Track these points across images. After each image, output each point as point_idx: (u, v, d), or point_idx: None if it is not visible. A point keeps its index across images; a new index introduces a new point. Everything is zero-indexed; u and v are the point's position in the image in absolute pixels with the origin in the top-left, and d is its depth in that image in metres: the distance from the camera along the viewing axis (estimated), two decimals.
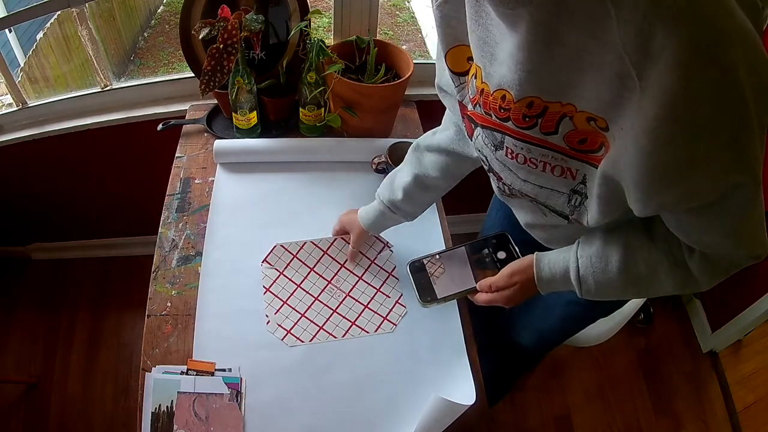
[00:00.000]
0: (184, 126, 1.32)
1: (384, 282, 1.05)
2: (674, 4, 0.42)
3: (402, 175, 0.95)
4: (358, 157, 1.24)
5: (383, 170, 1.20)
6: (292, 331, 0.96)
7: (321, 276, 1.04)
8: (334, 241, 1.08)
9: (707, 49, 0.42)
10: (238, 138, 1.27)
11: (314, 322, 0.98)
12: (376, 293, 1.03)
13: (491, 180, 0.79)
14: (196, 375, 0.89)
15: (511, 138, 0.62)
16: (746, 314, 1.65)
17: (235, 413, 0.86)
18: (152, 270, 1.03)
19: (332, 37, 1.39)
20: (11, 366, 1.73)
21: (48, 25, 2.86)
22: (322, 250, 1.06)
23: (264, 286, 1.01)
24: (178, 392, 0.87)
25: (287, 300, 1.00)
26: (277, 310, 0.98)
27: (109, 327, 1.83)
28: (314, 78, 1.18)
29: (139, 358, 0.92)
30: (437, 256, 0.86)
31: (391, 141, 1.21)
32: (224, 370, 0.90)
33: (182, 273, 1.03)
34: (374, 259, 1.07)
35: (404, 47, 1.30)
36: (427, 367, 0.94)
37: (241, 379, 0.90)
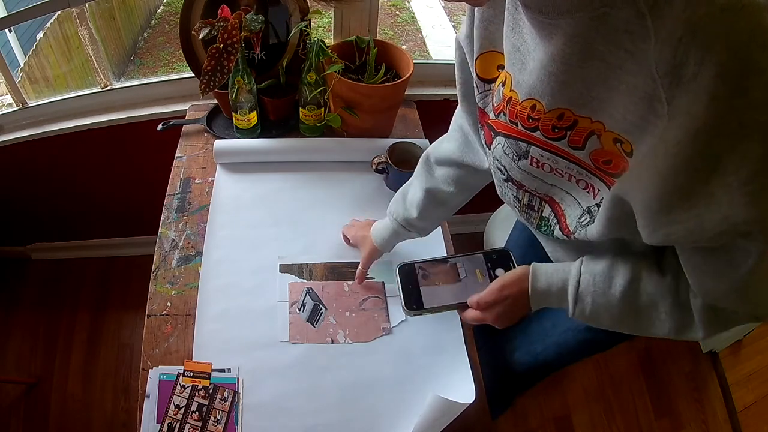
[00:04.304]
0: (184, 126, 1.32)
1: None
2: (711, 30, 0.40)
3: (414, 191, 0.92)
4: (358, 157, 1.24)
5: (383, 170, 1.21)
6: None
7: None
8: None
9: (737, 81, 0.40)
10: (238, 138, 1.27)
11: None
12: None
13: (506, 192, 0.75)
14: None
15: (538, 148, 0.61)
16: None
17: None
18: (152, 270, 1.03)
19: (332, 37, 1.39)
20: (11, 366, 1.73)
21: (48, 25, 2.86)
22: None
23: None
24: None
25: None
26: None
27: (109, 327, 1.83)
28: (314, 78, 1.18)
29: (139, 358, 0.92)
30: (430, 263, 0.81)
31: (391, 141, 1.21)
32: (222, 370, 0.90)
33: (182, 273, 1.03)
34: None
35: (404, 47, 1.30)
36: (427, 366, 0.94)
37: (238, 379, 0.90)
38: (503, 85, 0.64)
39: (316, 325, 0.97)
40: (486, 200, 1.19)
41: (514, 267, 0.76)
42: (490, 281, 0.75)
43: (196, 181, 1.20)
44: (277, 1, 1.22)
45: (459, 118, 0.84)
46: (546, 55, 0.53)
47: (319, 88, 1.19)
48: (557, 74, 0.53)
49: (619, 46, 0.46)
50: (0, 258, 1.96)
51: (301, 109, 1.25)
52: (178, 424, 0.85)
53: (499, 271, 0.77)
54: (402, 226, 0.94)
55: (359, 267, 1.02)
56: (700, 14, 0.41)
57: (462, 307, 0.76)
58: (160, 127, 1.30)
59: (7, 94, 1.43)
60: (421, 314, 0.77)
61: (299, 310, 0.99)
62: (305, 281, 1.03)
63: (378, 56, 1.25)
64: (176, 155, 1.25)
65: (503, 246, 0.80)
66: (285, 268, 1.05)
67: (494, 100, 0.67)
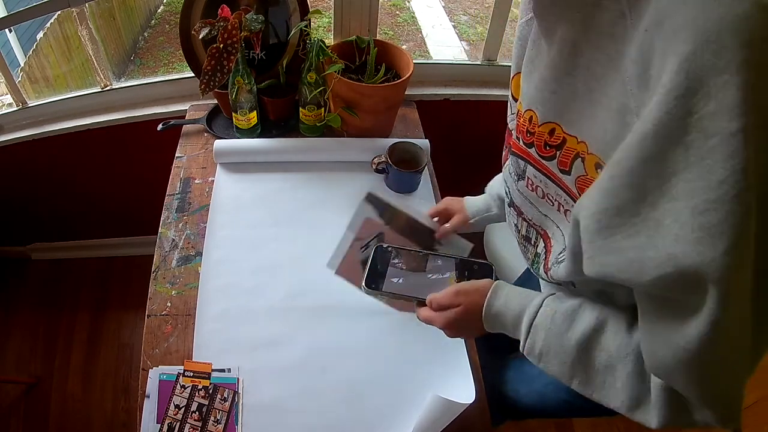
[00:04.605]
0: (184, 126, 1.32)
1: None
2: (677, 17, 0.34)
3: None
4: (358, 157, 1.24)
5: (383, 170, 1.21)
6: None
7: None
8: None
9: (698, 77, 0.33)
10: (238, 138, 1.27)
11: None
12: None
13: (509, 219, 0.74)
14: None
15: (533, 168, 0.60)
16: None
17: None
18: (152, 270, 1.03)
19: (332, 37, 1.39)
20: (11, 366, 1.73)
21: (48, 25, 2.86)
22: None
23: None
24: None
25: None
26: None
27: (109, 327, 1.83)
28: (314, 78, 1.18)
29: (139, 358, 0.92)
30: (409, 253, 0.79)
31: (391, 141, 1.21)
32: (222, 370, 0.90)
33: (182, 273, 1.03)
34: None
35: (404, 47, 1.30)
36: (427, 366, 0.94)
37: (238, 379, 0.90)
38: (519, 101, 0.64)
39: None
40: None
41: None
42: None
43: (196, 181, 1.20)
44: (277, 1, 1.22)
45: None
46: (544, 63, 0.53)
47: (319, 88, 1.19)
48: (549, 82, 0.52)
49: (602, 51, 0.44)
50: (0, 258, 1.96)
51: (301, 109, 1.25)
52: (178, 424, 0.85)
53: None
54: (495, 202, 0.94)
55: (447, 225, 0.99)
56: (665, 2, 0.36)
57: (420, 303, 0.73)
58: (160, 127, 1.30)
59: (7, 94, 1.43)
60: (377, 296, 0.76)
61: (361, 249, 0.95)
62: (383, 223, 1.00)
63: (378, 56, 1.25)
64: (176, 155, 1.25)
65: (488, 260, 0.78)
66: (371, 198, 1.03)
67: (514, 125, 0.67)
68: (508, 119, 0.70)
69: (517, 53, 0.64)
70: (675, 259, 0.36)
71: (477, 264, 0.75)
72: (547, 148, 0.56)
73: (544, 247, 0.64)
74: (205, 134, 1.30)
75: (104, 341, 1.79)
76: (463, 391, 0.87)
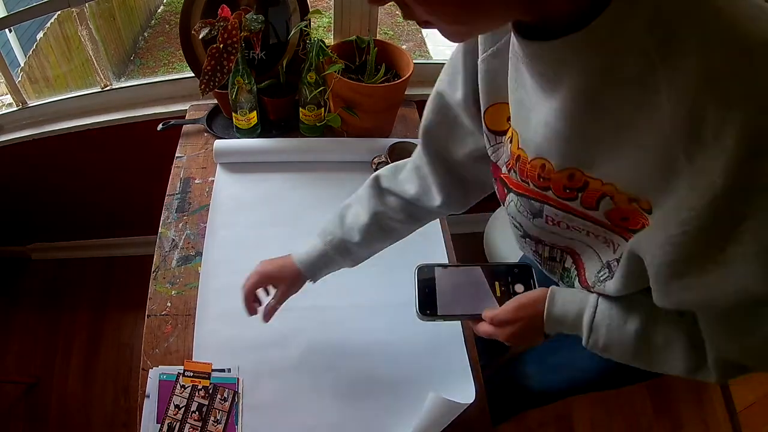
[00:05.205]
0: (184, 126, 1.32)
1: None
2: (730, 81, 0.36)
3: (357, 213, 0.82)
4: (358, 157, 1.24)
5: None
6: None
7: None
8: None
9: (761, 142, 0.35)
10: (238, 138, 1.27)
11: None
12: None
13: (524, 248, 0.73)
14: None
15: (552, 207, 0.58)
16: None
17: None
18: (152, 270, 1.03)
19: (332, 36, 1.39)
20: (11, 366, 1.73)
21: (48, 25, 2.86)
22: None
23: None
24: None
25: None
26: None
27: (109, 327, 1.83)
28: (314, 78, 1.18)
29: (139, 358, 0.92)
30: (451, 269, 0.78)
31: (391, 141, 1.21)
32: (222, 370, 0.90)
33: (182, 273, 1.03)
34: None
35: (404, 47, 1.30)
36: (427, 366, 0.94)
37: (238, 379, 0.90)
38: (510, 141, 0.60)
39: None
40: (486, 200, 1.19)
41: (535, 284, 0.74)
42: (509, 295, 0.73)
43: (196, 181, 1.20)
44: (277, 1, 1.22)
45: (418, 159, 0.78)
46: (550, 111, 0.49)
47: (319, 88, 1.19)
48: (562, 132, 0.49)
49: (628, 101, 0.42)
50: (0, 258, 1.96)
51: (301, 109, 1.25)
52: (178, 424, 0.85)
53: (518, 287, 0.74)
54: (336, 250, 0.83)
55: (272, 300, 0.86)
56: (717, 62, 0.36)
57: (476, 318, 0.74)
58: (160, 127, 1.30)
59: (7, 94, 1.44)
60: (434, 320, 0.75)
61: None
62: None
63: (378, 56, 1.25)
64: (176, 155, 1.25)
65: (519, 260, 0.77)
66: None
67: (505, 156, 0.63)
68: (489, 151, 0.66)
69: (488, 88, 0.60)
70: (747, 290, 0.43)
71: (517, 267, 0.76)
72: (567, 191, 0.53)
73: (573, 262, 0.65)
74: (205, 134, 1.30)
75: (104, 341, 1.79)
76: (463, 391, 0.87)
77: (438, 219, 1.15)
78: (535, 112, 0.52)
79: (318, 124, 1.27)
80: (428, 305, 0.75)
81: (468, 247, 1.68)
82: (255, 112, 1.24)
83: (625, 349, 0.62)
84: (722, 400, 1.75)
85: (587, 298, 0.64)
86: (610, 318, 0.62)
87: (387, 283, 1.04)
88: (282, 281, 0.85)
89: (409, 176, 0.80)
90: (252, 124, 1.25)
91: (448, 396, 0.79)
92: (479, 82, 0.61)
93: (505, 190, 0.65)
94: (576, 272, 0.66)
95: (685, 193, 0.41)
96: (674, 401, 1.75)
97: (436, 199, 0.77)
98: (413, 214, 0.82)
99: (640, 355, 0.61)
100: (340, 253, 0.83)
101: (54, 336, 1.80)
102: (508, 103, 0.58)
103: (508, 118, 0.59)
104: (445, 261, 1.09)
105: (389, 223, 0.82)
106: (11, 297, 1.89)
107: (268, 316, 0.86)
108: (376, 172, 0.84)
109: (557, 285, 0.71)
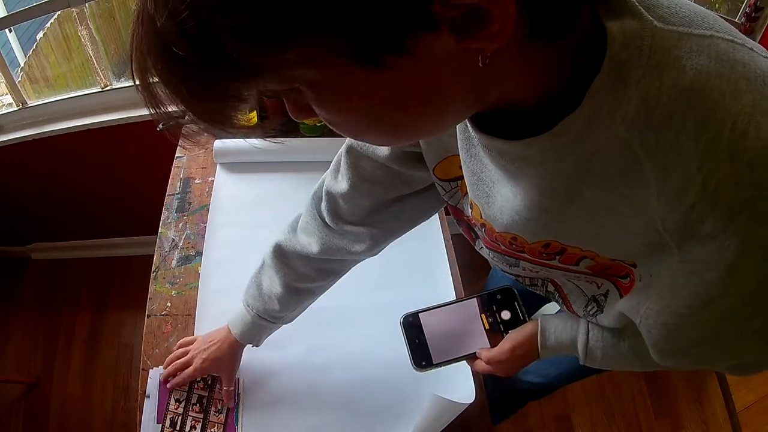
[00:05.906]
0: (184, 126, 1.32)
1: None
2: (735, 198, 0.33)
3: (270, 283, 0.79)
4: None
5: None
6: None
7: None
8: None
9: (763, 253, 0.34)
10: (238, 138, 1.26)
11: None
12: None
13: (501, 273, 0.72)
14: None
15: (528, 264, 0.56)
16: None
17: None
18: (152, 270, 1.03)
19: None
20: (11, 366, 1.73)
21: (48, 25, 2.85)
22: None
23: None
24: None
25: None
26: None
27: (109, 327, 1.83)
28: None
29: (139, 358, 0.92)
30: (434, 311, 0.78)
31: None
32: None
33: (182, 273, 1.03)
34: None
35: None
36: None
37: (238, 379, 0.89)
38: (471, 207, 0.56)
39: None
40: None
41: (520, 306, 0.75)
42: (497, 325, 0.75)
43: (196, 181, 1.20)
44: None
45: (319, 208, 0.76)
46: (516, 198, 0.44)
47: None
48: (533, 220, 0.45)
49: (610, 191, 0.38)
50: (0, 258, 1.96)
51: None
52: (180, 417, 0.85)
53: (504, 314, 0.75)
54: (265, 320, 0.80)
55: (224, 387, 0.85)
56: (721, 176, 0.33)
57: (471, 357, 0.76)
58: (160, 127, 1.29)
59: (7, 94, 1.44)
60: (432, 370, 0.76)
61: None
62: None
63: None
64: (176, 155, 1.25)
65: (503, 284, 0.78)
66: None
67: (466, 207, 0.60)
68: (446, 197, 0.62)
69: (434, 147, 0.56)
70: (739, 356, 0.47)
71: (499, 293, 0.77)
72: (544, 255, 0.51)
73: (556, 290, 0.64)
74: (205, 134, 1.30)
75: (104, 341, 1.80)
76: (463, 391, 0.87)
77: (438, 219, 1.15)
78: (497, 191, 0.47)
79: (318, 124, 1.27)
80: (422, 356, 0.75)
81: (468, 246, 1.68)
82: (255, 112, 1.24)
83: (625, 362, 0.63)
84: (722, 400, 1.75)
85: (577, 325, 0.65)
86: (603, 340, 0.63)
87: (387, 283, 1.04)
88: (223, 372, 0.85)
89: (308, 227, 0.77)
90: (252, 124, 1.25)
91: (448, 396, 0.79)
92: (422, 144, 0.57)
93: (473, 234, 0.63)
94: (561, 300, 0.65)
95: (679, 281, 0.40)
96: (674, 401, 1.75)
97: (348, 236, 0.74)
98: (326, 271, 0.79)
99: (641, 363, 0.62)
100: (271, 319, 0.81)
101: (54, 336, 1.80)
102: (458, 155, 0.52)
103: (460, 166, 0.53)
104: (445, 260, 1.08)
105: (304, 287, 0.79)
106: (11, 297, 1.89)
107: (231, 400, 0.86)
108: (276, 240, 0.80)
109: (542, 298, 0.71)
